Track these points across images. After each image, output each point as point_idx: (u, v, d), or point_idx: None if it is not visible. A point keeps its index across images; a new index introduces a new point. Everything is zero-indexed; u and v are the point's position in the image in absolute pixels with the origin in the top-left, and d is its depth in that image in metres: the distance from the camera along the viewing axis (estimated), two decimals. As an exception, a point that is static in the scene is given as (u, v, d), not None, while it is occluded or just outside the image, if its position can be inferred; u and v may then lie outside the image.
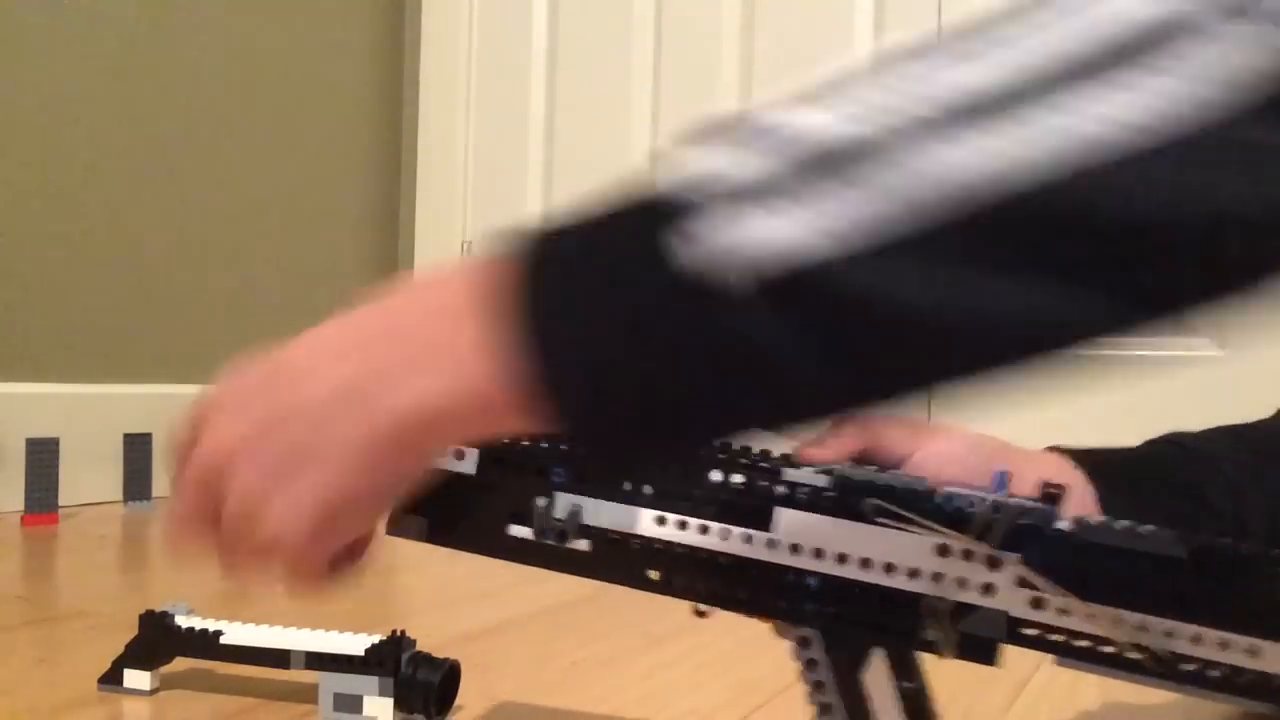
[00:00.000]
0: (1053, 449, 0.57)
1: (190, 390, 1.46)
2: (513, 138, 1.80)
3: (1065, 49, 0.27)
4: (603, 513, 0.42)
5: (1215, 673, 0.36)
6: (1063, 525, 0.37)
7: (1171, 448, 0.57)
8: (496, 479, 0.44)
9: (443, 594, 0.87)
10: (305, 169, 1.67)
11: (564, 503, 0.42)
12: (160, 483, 1.39)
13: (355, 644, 0.54)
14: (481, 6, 1.83)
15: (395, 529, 0.46)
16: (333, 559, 0.39)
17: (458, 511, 0.45)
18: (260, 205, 1.59)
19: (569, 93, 1.75)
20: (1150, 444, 0.57)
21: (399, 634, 0.53)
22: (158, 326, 1.44)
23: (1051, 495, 0.38)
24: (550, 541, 0.42)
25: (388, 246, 1.84)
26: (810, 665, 0.40)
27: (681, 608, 0.42)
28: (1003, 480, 0.38)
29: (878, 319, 0.29)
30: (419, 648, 0.55)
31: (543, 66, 1.78)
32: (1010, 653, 0.38)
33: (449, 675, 0.55)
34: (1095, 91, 0.27)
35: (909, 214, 0.28)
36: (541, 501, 0.43)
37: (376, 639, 0.54)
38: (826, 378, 0.30)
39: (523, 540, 0.43)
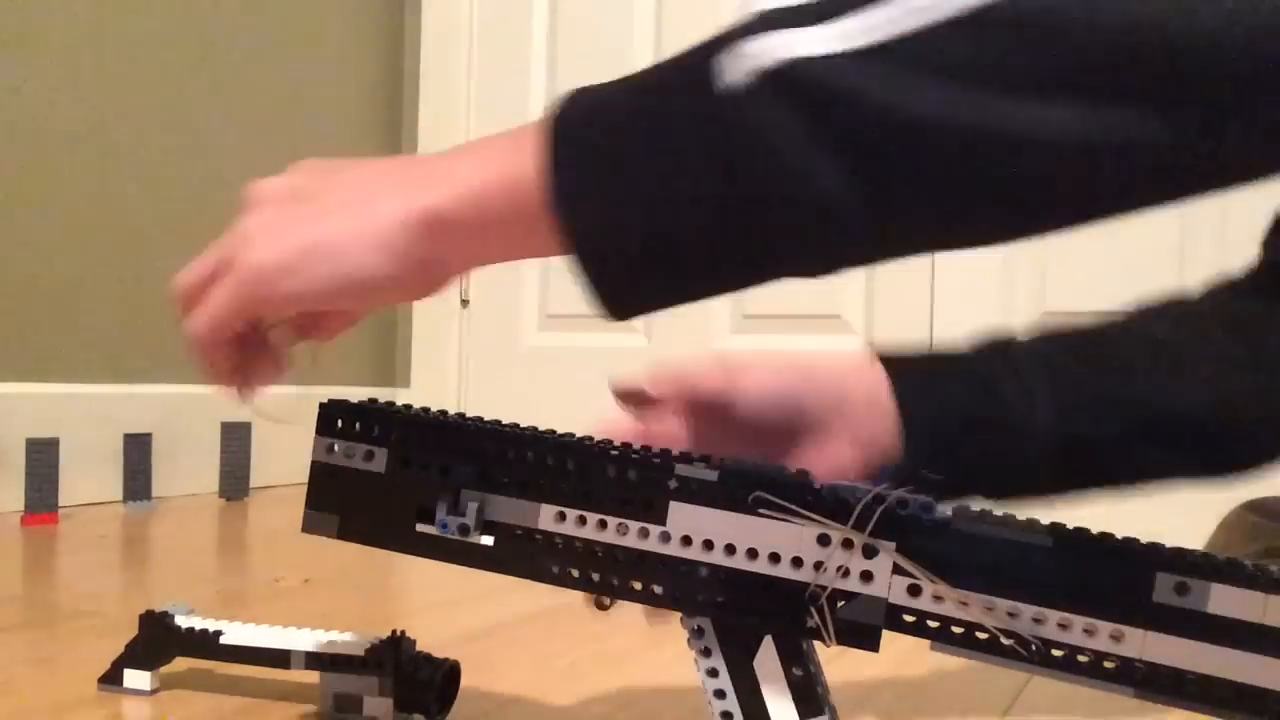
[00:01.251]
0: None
1: (190, 390, 1.46)
2: (513, 138, 1.80)
3: None
4: (505, 508, 0.44)
5: (1083, 658, 0.37)
6: (940, 515, 0.38)
7: (986, 347, 0.55)
8: (404, 477, 0.45)
9: (443, 594, 0.87)
10: (305, 169, 1.67)
11: (468, 499, 0.44)
12: (160, 482, 1.39)
13: (355, 644, 0.54)
14: (481, 6, 1.83)
15: (308, 526, 0.47)
16: (253, 364, 0.40)
17: (367, 509, 0.46)
18: (260, 205, 1.59)
19: (569, 93, 1.75)
20: (973, 341, 0.56)
21: (399, 634, 0.53)
22: (158, 326, 1.44)
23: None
24: (454, 536, 0.44)
25: (388, 246, 1.84)
26: (704, 654, 0.42)
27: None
28: (887, 472, 0.40)
29: (862, 108, 0.29)
30: (419, 648, 0.55)
31: (543, 66, 1.78)
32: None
33: (449, 675, 0.55)
34: None
35: (917, 23, 0.28)
36: (446, 498, 0.44)
37: (376, 639, 0.54)
38: (833, 182, 0.29)
39: (429, 536, 0.45)
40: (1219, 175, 0.30)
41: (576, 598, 0.44)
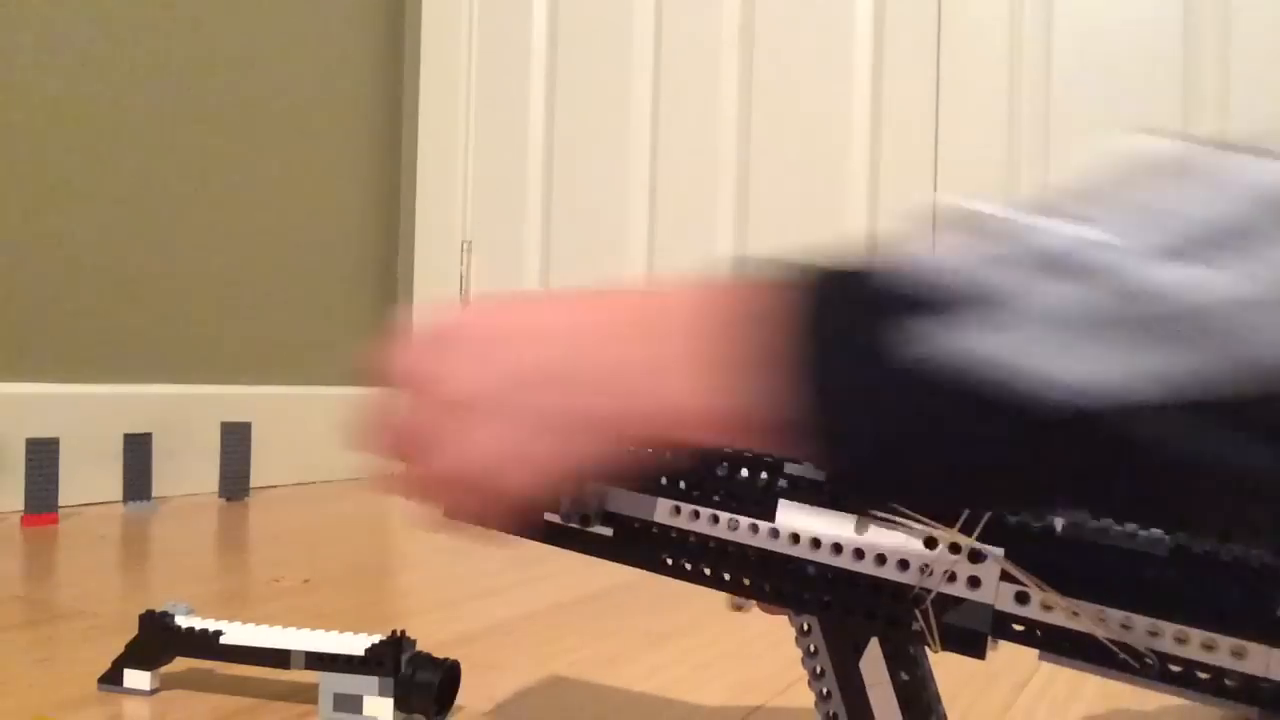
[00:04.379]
0: None
1: (190, 390, 1.46)
2: (513, 138, 1.80)
3: None
4: (624, 501, 0.45)
5: (1203, 674, 0.36)
6: (1053, 523, 0.38)
7: None
8: None
9: (443, 594, 0.87)
10: (305, 169, 1.67)
11: (590, 490, 0.45)
12: (160, 482, 1.39)
13: (355, 644, 0.54)
14: (481, 7, 1.83)
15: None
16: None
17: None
18: (260, 206, 1.59)
19: (569, 92, 1.75)
20: None
21: (399, 634, 0.53)
22: (158, 326, 1.44)
23: None
24: (576, 526, 0.46)
25: (388, 246, 1.84)
26: (810, 652, 0.42)
27: (680, 608, 0.42)
28: None
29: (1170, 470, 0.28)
30: (419, 648, 0.55)
31: (542, 66, 1.78)
32: (1011, 652, 0.38)
33: (449, 675, 0.55)
34: None
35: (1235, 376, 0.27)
36: (570, 489, 0.46)
37: (376, 639, 0.54)
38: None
39: (555, 525, 0.47)
40: None
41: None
